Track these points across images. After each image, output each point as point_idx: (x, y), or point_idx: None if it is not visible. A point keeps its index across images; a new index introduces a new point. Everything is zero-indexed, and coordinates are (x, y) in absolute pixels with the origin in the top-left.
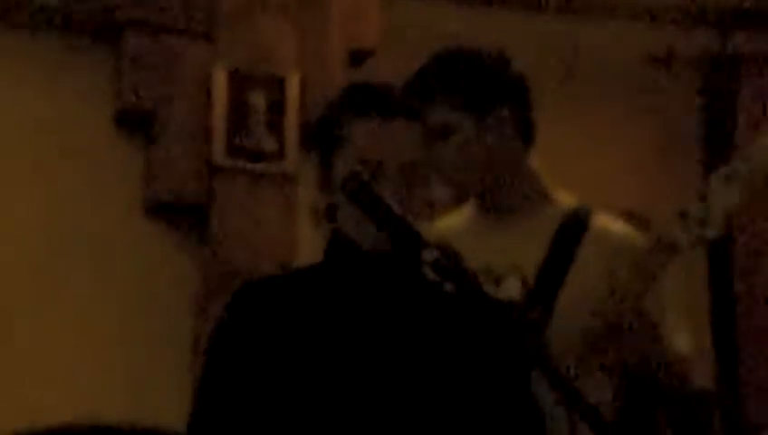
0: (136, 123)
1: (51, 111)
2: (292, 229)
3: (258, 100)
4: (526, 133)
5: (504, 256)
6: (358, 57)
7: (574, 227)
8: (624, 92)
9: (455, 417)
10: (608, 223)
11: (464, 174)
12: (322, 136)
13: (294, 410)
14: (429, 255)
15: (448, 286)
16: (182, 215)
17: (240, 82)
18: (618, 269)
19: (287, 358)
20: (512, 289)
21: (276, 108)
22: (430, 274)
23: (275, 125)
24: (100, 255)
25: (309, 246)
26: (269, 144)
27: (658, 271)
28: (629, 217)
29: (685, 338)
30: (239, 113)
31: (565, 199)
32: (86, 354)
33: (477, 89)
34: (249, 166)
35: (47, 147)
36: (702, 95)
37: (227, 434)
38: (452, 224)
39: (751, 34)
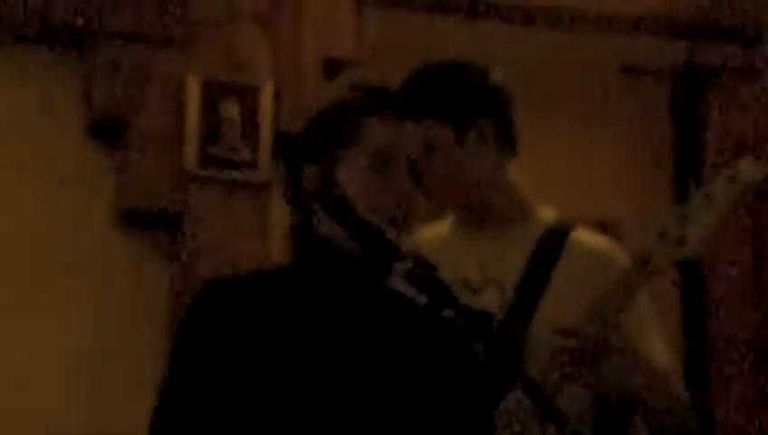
0: (108, 132)
1: (22, 121)
2: (266, 238)
3: (232, 109)
4: (507, 146)
5: (483, 269)
6: (332, 67)
7: (554, 242)
8: (594, 104)
9: (406, 426)
10: (587, 237)
11: (445, 188)
12: (324, 135)
13: (249, 409)
14: (402, 265)
15: (421, 298)
16: (155, 224)
17: (213, 90)
18: (596, 287)
19: (246, 358)
20: (489, 300)
21: (250, 117)
22: (400, 284)
23: (249, 134)
24: (73, 264)
25: (283, 255)
26: (243, 153)
27: (637, 290)
28: (603, 228)
29: (662, 348)
30: (212, 122)
31: (546, 213)
32: (56, 362)
33: (456, 102)
34: (223, 175)
35: (18, 157)
36: (671, 106)
37: (186, 433)
38: (433, 235)
39: (720, 46)
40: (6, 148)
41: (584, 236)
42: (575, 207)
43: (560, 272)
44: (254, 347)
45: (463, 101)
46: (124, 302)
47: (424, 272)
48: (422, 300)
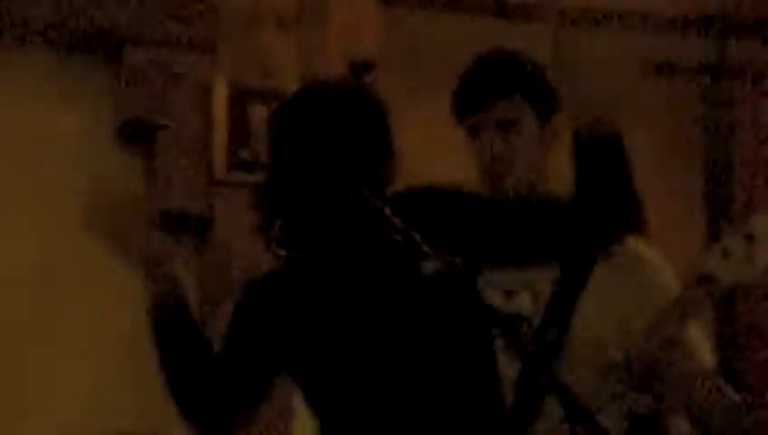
0: (137, 138)
1: (52, 127)
2: None
3: (259, 113)
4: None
5: (517, 272)
6: (358, 69)
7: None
8: (624, 103)
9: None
10: (623, 243)
11: (510, 168)
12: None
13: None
14: (429, 267)
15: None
16: (184, 227)
17: (241, 95)
18: (632, 293)
19: (292, 333)
20: (522, 304)
21: None
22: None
23: None
24: (102, 269)
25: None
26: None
27: (697, 309)
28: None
29: (707, 348)
30: (240, 127)
31: None
32: (92, 368)
33: (545, 89)
34: (250, 179)
35: (49, 162)
36: (702, 105)
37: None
38: None
39: (751, 44)
40: (37, 151)
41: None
42: None
43: (596, 278)
44: (299, 326)
45: (549, 90)
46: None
47: (452, 273)
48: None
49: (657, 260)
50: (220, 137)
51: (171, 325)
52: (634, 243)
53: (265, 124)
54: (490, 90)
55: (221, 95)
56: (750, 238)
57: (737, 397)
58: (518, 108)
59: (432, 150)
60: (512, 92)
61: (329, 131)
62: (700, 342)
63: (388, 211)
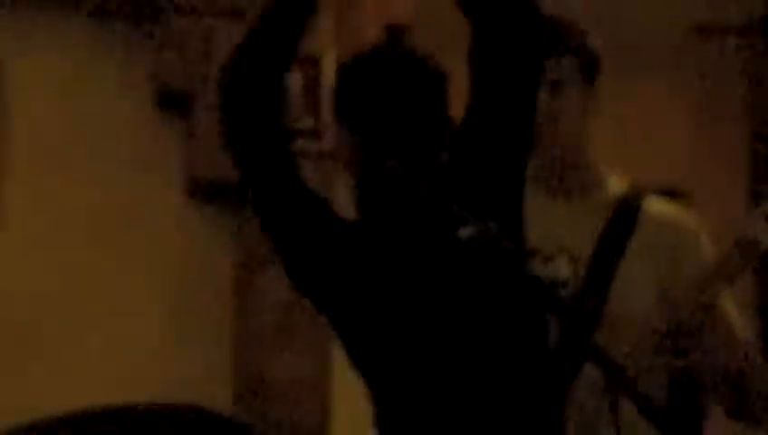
0: (175, 104)
1: (92, 94)
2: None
3: (294, 78)
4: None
5: (554, 239)
6: (394, 33)
7: (627, 212)
8: (669, 63)
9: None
10: (662, 208)
11: (562, 136)
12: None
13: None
14: (466, 232)
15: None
16: (221, 194)
17: None
18: (673, 259)
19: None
20: (561, 270)
21: (312, 86)
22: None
23: (312, 104)
24: (142, 235)
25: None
26: (306, 122)
27: (738, 273)
28: (674, 197)
29: (742, 315)
30: None
31: (616, 182)
32: (127, 333)
33: (590, 50)
34: None
35: (88, 129)
36: (748, 63)
37: None
38: None
39: None
40: (77, 120)
41: (658, 207)
42: (644, 174)
43: (634, 244)
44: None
45: (594, 54)
46: (192, 270)
47: (488, 240)
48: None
49: (694, 225)
50: None
51: None
52: (672, 208)
53: (302, 90)
54: None
55: None
56: None
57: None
58: (566, 69)
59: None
60: (562, 52)
61: (388, 97)
62: (735, 308)
63: (425, 180)
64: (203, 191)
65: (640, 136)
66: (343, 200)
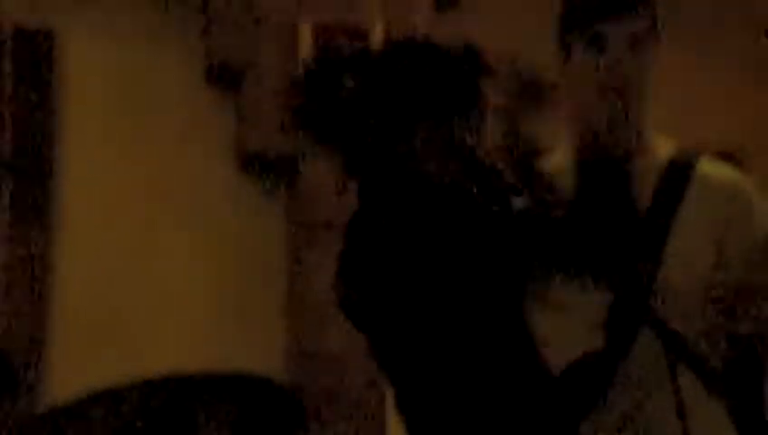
0: (226, 78)
1: (144, 70)
2: None
3: (342, 50)
4: None
5: None
6: (442, 4)
7: (679, 175)
8: (707, 19)
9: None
10: (714, 170)
11: (641, 102)
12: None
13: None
14: (519, 202)
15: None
16: (272, 167)
17: (325, 33)
18: (726, 222)
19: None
20: None
21: None
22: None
23: None
24: (195, 207)
25: None
26: None
27: None
28: (725, 158)
29: None
30: None
31: (664, 144)
32: (179, 303)
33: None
34: None
35: (141, 103)
36: None
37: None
38: (551, 164)
39: None
40: (128, 96)
41: (710, 169)
42: (691, 135)
43: (687, 207)
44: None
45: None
46: (244, 243)
47: (540, 209)
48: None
49: (749, 186)
50: None
51: None
52: (726, 169)
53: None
54: None
55: (306, 34)
56: None
57: None
58: (648, 25)
59: None
60: (646, 4)
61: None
62: None
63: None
64: (254, 165)
65: (681, 95)
66: None
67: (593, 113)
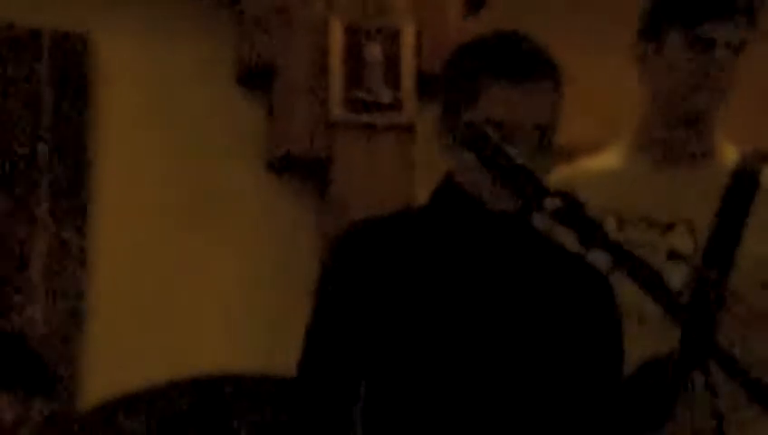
0: (256, 81)
1: (175, 73)
2: (411, 180)
3: (374, 52)
4: None
5: (670, 206)
6: (473, 4)
7: (747, 180)
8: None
9: (541, 378)
10: None
11: (721, 111)
12: (450, 88)
13: (394, 348)
14: (552, 203)
15: (570, 238)
16: (303, 169)
17: (356, 35)
18: None
19: (390, 297)
20: (679, 242)
21: (392, 59)
22: (547, 223)
23: (392, 77)
24: (225, 211)
25: (427, 197)
26: (386, 96)
27: None
28: None
29: None
30: (356, 66)
31: (729, 149)
32: (209, 307)
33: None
34: (366, 118)
35: (172, 106)
36: None
37: (333, 374)
38: (596, 168)
39: None
40: (160, 98)
41: None
42: (747, 140)
43: (756, 213)
44: (397, 287)
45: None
46: (273, 246)
47: (574, 210)
48: (571, 241)
49: None
50: (336, 77)
51: None
52: None
53: (381, 62)
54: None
55: (336, 35)
56: None
57: None
58: (748, 31)
59: None
60: (750, 9)
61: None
62: None
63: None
64: (285, 166)
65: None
66: (421, 175)
67: (680, 105)
